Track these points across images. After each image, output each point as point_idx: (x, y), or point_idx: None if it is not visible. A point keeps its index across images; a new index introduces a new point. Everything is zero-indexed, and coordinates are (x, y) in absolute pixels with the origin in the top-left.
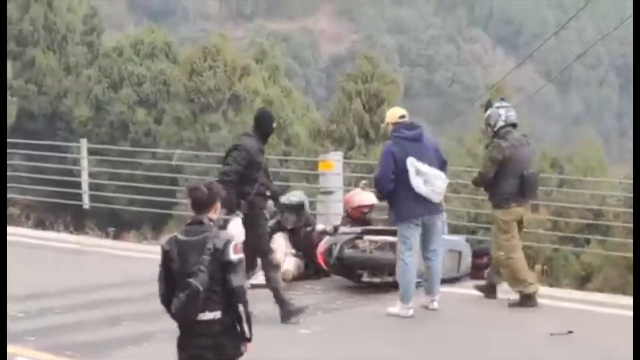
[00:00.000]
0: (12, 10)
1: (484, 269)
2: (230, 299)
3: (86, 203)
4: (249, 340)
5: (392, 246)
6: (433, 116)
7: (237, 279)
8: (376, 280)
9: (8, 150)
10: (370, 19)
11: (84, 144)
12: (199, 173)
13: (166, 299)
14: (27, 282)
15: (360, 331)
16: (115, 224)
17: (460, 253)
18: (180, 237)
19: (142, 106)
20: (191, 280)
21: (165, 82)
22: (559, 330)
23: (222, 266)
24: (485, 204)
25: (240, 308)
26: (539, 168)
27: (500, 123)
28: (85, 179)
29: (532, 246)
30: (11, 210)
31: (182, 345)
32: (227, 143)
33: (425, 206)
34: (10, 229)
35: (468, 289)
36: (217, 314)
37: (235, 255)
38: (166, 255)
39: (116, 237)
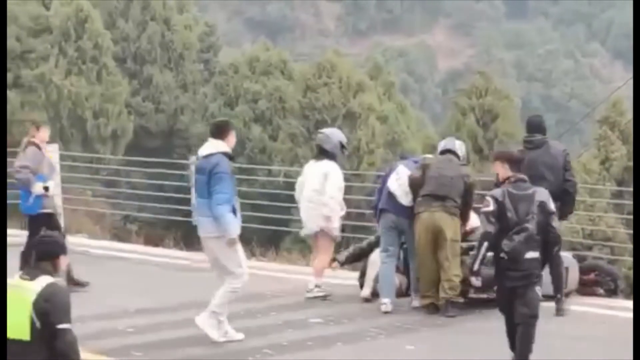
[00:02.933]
0: (129, 28)
1: (591, 285)
2: (549, 239)
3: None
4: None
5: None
6: (552, 132)
7: (556, 224)
8: (483, 296)
9: (127, 168)
10: (488, 34)
11: (193, 160)
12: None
13: (493, 238)
14: (136, 298)
15: (464, 349)
16: None
17: (567, 269)
18: (512, 190)
19: (258, 123)
20: (528, 225)
21: (280, 99)
22: None
23: (545, 215)
24: (602, 220)
25: (555, 249)
26: None
27: None
28: (193, 195)
29: None
30: (130, 227)
31: (503, 278)
32: None
33: None
34: (122, 245)
35: (576, 305)
36: (536, 254)
37: (553, 206)
38: (500, 204)
39: None
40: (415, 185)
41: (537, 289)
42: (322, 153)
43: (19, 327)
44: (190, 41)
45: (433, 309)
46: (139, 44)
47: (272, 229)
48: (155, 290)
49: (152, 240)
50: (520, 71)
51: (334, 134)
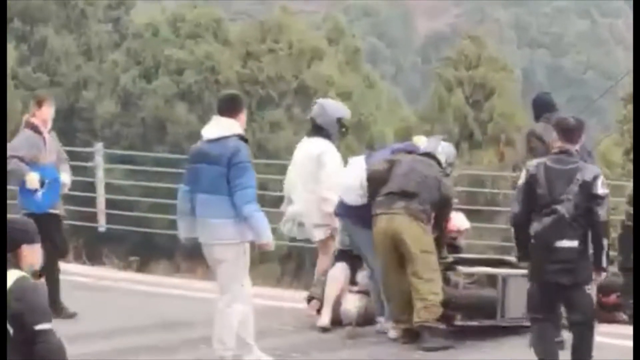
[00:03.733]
0: None
1: (613, 310)
2: (592, 230)
3: (103, 225)
4: (605, 270)
5: (490, 280)
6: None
7: (603, 212)
8: (473, 323)
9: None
10: None
11: (99, 149)
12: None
13: (519, 219)
14: None
15: None
16: (145, 251)
17: None
18: (550, 163)
19: (183, 100)
20: (558, 207)
21: (212, 70)
22: None
23: (588, 198)
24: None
25: (604, 241)
26: None
27: None
28: (101, 194)
29: None
30: None
31: (541, 272)
32: (292, 147)
33: None
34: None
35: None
36: (575, 243)
37: (602, 189)
38: (532, 178)
39: (141, 268)
40: (375, 179)
41: (587, 288)
42: (315, 130)
43: None
44: None
45: (409, 337)
46: None
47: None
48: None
49: None
50: (521, 35)
51: (330, 107)
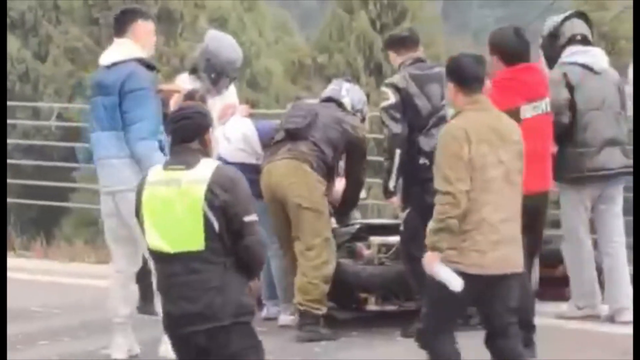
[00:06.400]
0: None
1: (557, 284)
2: None
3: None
4: None
5: None
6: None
7: None
8: (390, 307)
9: None
10: None
11: None
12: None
13: (403, 138)
14: None
15: None
16: None
17: None
18: (413, 71)
19: (15, 32)
20: (443, 113)
21: None
22: None
23: None
24: None
25: None
26: None
27: None
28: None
29: None
30: None
31: (425, 195)
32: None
33: None
34: None
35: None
36: None
37: None
38: (403, 93)
39: None
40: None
41: None
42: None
43: (186, 233)
44: None
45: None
46: None
47: (40, 205)
48: None
49: None
50: None
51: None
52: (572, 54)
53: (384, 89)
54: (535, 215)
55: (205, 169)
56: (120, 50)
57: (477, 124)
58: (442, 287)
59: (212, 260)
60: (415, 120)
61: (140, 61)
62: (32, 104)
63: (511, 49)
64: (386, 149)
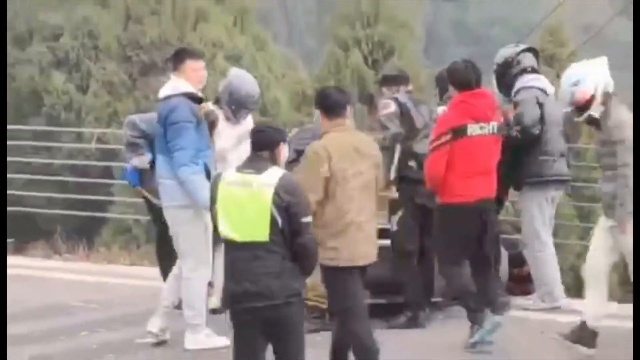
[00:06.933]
0: None
1: (525, 281)
2: None
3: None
4: None
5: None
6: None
7: None
8: (380, 300)
9: None
10: None
11: None
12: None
13: (399, 138)
14: None
15: None
16: (21, 233)
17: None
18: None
19: (60, 68)
20: None
21: (90, 35)
22: None
23: None
24: None
25: None
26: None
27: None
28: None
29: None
30: None
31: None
32: None
33: None
34: None
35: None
36: None
37: None
38: (402, 106)
39: (19, 250)
40: None
41: None
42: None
43: (256, 227)
44: None
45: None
46: None
47: (83, 216)
48: None
49: None
50: None
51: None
52: (530, 80)
53: (386, 100)
54: (484, 216)
55: (274, 175)
56: (172, 85)
57: (338, 143)
58: None
59: (273, 250)
60: (410, 129)
61: (187, 95)
62: (76, 130)
63: (460, 78)
64: (387, 146)
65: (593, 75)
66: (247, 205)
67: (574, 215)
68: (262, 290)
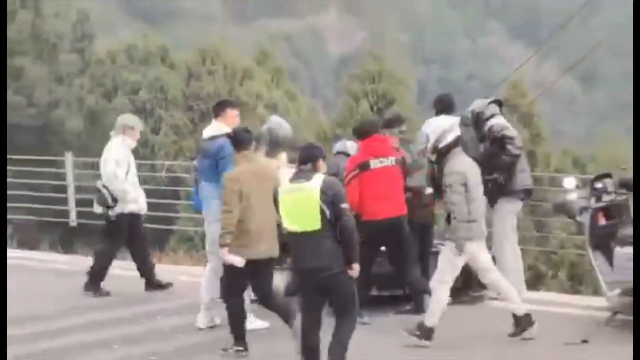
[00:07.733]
0: None
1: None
2: None
3: (73, 220)
4: None
5: None
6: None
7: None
8: (385, 293)
9: None
10: (380, 15)
11: (68, 157)
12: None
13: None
14: (16, 305)
15: None
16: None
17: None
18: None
19: (138, 115)
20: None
21: (161, 89)
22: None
23: None
24: None
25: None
26: (561, 167)
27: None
28: (71, 194)
29: (556, 251)
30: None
31: None
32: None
33: None
34: None
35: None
36: None
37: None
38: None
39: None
40: None
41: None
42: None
43: (311, 219)
44: (62, 30)
45: None
46: (8, 35)
47: (156, 228)
48: (38, 295)
49: (27, 244)
50: (416, 53)
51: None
52: (497, 120)
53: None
54: (396, 230)
55: (318, 179)
56: (216, 128)
57: (246, 171)
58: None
59: (325, 235)
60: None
61: (228, 135)
62: (150, 162)
63: (362, 131)
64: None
65: (434, 132)
66: (302, 204)
67: None
68: (323, 264)
